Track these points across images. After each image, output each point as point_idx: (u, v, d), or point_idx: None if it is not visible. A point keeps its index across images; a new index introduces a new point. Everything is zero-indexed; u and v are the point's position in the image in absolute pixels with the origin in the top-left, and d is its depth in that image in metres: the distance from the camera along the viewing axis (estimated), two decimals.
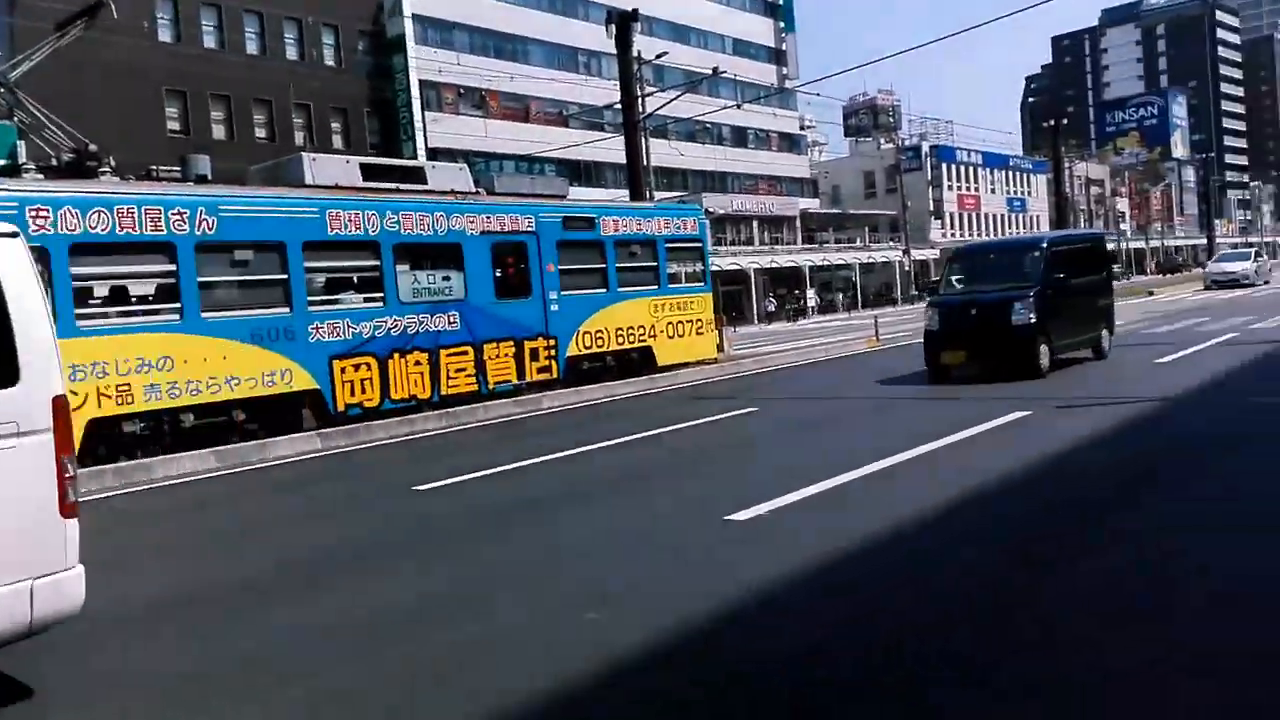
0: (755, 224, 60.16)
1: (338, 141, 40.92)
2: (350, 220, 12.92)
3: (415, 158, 41.08)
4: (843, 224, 69.63)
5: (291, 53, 40.45)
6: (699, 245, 18.58)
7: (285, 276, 12.17)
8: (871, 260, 61.28)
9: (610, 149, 45.76)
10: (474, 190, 15.29)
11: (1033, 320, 13.07)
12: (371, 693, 3.97)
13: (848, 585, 4.97)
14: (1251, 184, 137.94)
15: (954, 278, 15.06)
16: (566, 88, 48.93)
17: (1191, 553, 5.06)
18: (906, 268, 60.70)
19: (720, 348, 19.82)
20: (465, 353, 14.11)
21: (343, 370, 12.58)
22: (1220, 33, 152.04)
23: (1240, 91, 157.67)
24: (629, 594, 5.12)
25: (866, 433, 10.19)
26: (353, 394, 12.71)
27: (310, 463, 10.96)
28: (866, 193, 75.17)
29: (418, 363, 13.48)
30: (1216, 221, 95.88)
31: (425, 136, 43.54)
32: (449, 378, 13.87)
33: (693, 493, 7.70)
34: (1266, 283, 39.32)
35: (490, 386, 14.44)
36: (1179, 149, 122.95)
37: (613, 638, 4.36)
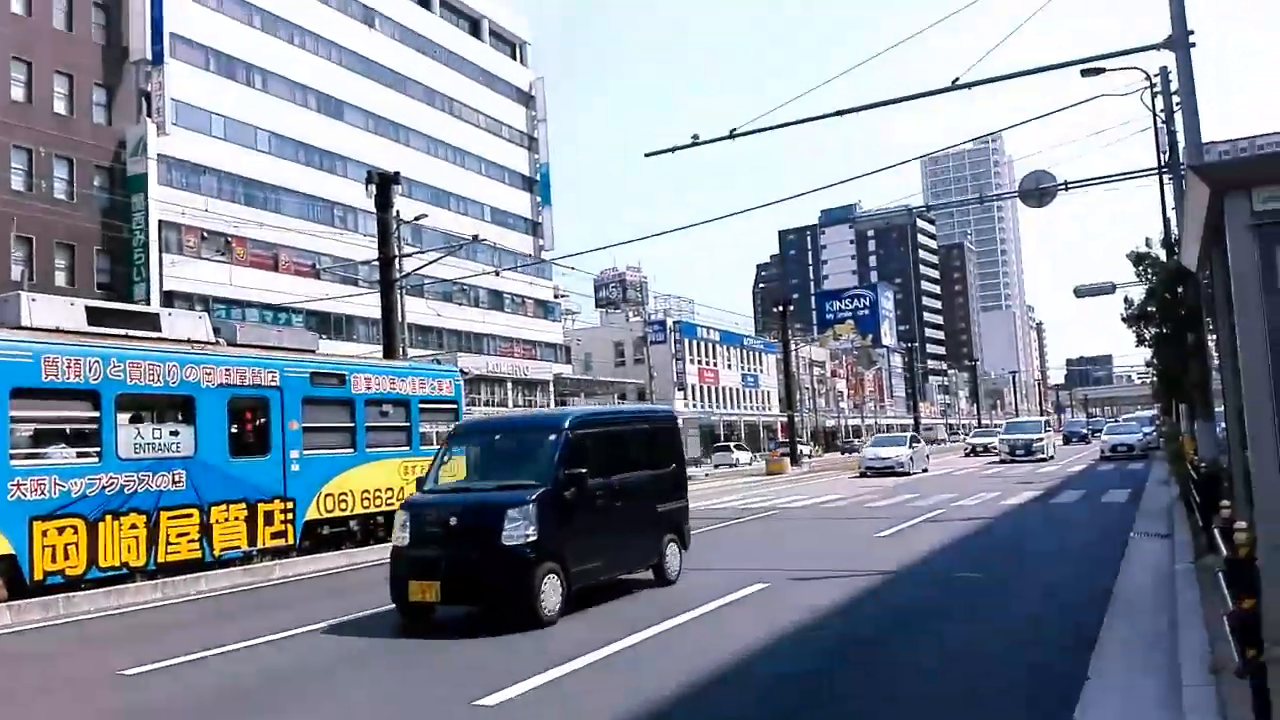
0: (510, 385, 60.56)
1: (61, 279, 37.75)
2: (68, 367, 11.81)
3: (149, 300, 38.60)
4: (593, 390, 71.46)
5: (18, 183, 37.44)
6: (454, 406, 18.39)
7: None
8: None
9: (364, 304, 45.11)
10: (213, 340, 14.48)
11: (532, 538, 8.76)
12: None
13: None
14: (949, 371, 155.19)
15: (443, 469, 10.55)
16: (320, 239, 48.14)
17: None
18: None
19: None
20: (190, 515, 12.97)
21: (44, 533, 11.18)
22: (921, 238, 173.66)
23: (938, 290, 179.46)
24: None
25: (638, 600, 10.18)
26: (54, 560, 11.27)
27: None
28: (616, 361, 77.97)
29: (134, 525, 12.22)
30: (921, 403, 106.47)
31: (161, 279, 41.11)
32: (169, 543, 12.65)
33: (436, 674, 7.33)
34: (925, 470, 35.99)
35: (216, 553, 13.28)
36: (887, 337, 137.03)
37: None
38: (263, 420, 14.56)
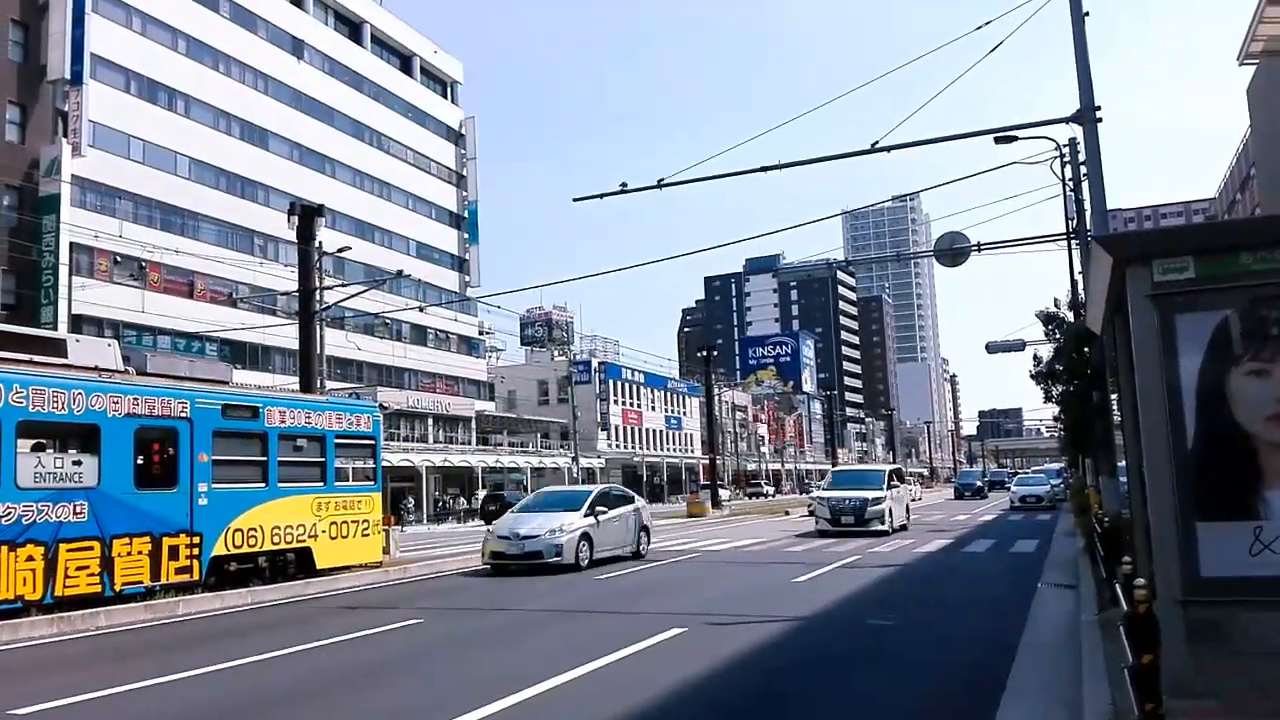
0: (430, 421, 59.76)
1: None
2: None
3: (56, 324, 37.28)
4: (516, 428, 70.94)
5: None
6: (372, 443, 18.09)
7: None
8: (543, 465, 62.55)
9: (281, 334, 44.22)
10: (122, 369, 14.04)
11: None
12: None
13: None
14: (867, 419, 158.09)
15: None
16: (238, 269, 47.12)
17: None
18: (575, 474, 62.49)
19: (386, 550, 19.02)
20: (91, 548, 12.47)
21: None
22: (841, 290, 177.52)
23: (857, 340, 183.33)
24: None
25: (532, 648, 10.06)
26: None
27: None
28: (540, 399, 77.65)
29: (30, 558, 11.71)
30: (839, 450, 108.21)
31: (70, 303, 39.74)
32: (68, 576, 12.14)
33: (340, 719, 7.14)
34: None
35: (117, 588, 12.78)
36: (808, 384, 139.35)
37: None
38: (171, 452, 14.12)
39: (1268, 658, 7.38)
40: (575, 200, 16.52)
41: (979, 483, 61.28)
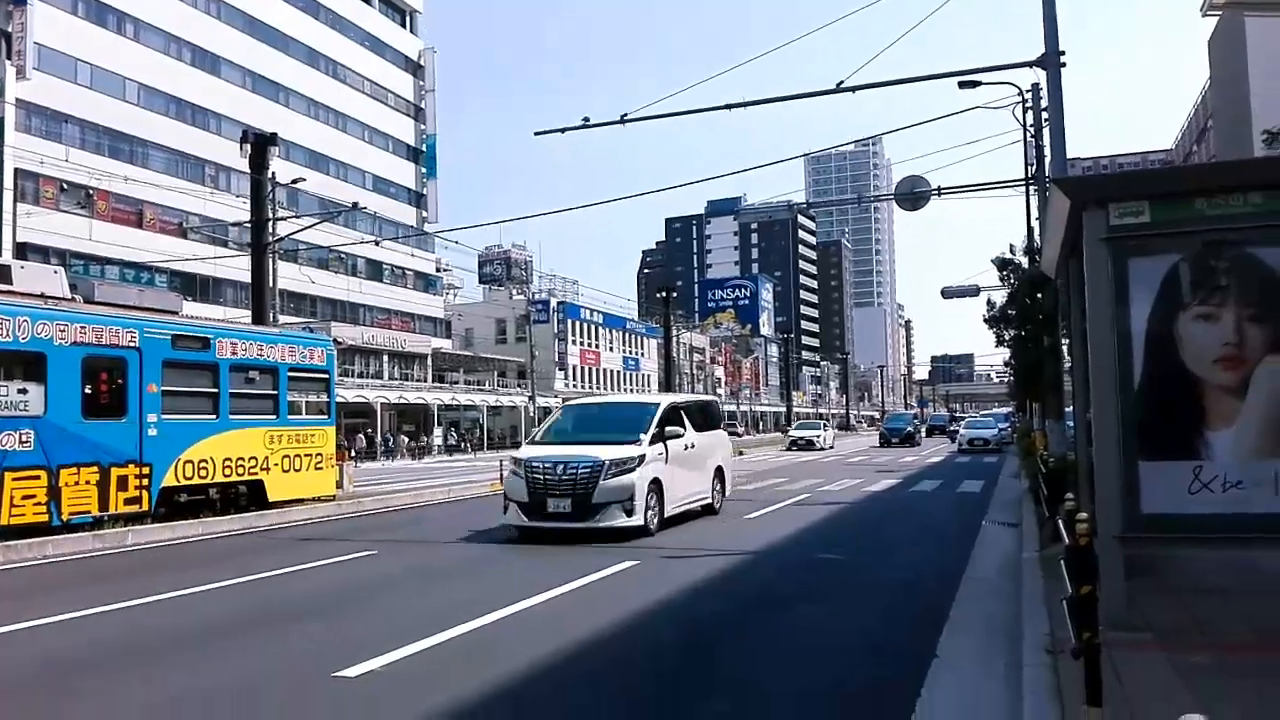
0: (386, 358, 59.26)
1: None
2: None
3: (0, 252, 36.24)
4: (473, 366, 70.61)
5: None
6: (325, 377, 17.91)
7: None
8: (499, 404, 62.46)
9: (233, 266, 43.41)
10: (69, 296, 13.70)
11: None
12: None
13: None
14: (822, 362, 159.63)
15: None
16: (189, 198, 45.95)
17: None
18: (531, 413, 62.55)
19: (340, 484, 18.96)
20: (37, 477, 12.28)
21: None
22: (801, 234, 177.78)
23: (815, 284, 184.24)
24: None
25: (485, 580, 10.14)
26: None
27: None
28: (498, 339, 77.22)
29: None
30: (794, 393, 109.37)
31: (15, 230, 38.58)
32: (13, 506, 11.95)
33: (295, 647, 7.15)
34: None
35: (65, 517, 12.62)
36: (766, 327, 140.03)
37: None
38: (120, 382, 13.87)
39: (1201, 594, 7.65)
40: (537, 134, 16.29)
41: (909, 427, 53.74)
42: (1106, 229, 6.58)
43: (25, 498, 12.14)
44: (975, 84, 19.69)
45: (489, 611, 7.81)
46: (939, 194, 21.13)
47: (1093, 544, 5.29)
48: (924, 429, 66.35)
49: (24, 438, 12.18)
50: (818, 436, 48.19)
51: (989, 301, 22.76)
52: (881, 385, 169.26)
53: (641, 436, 13.12)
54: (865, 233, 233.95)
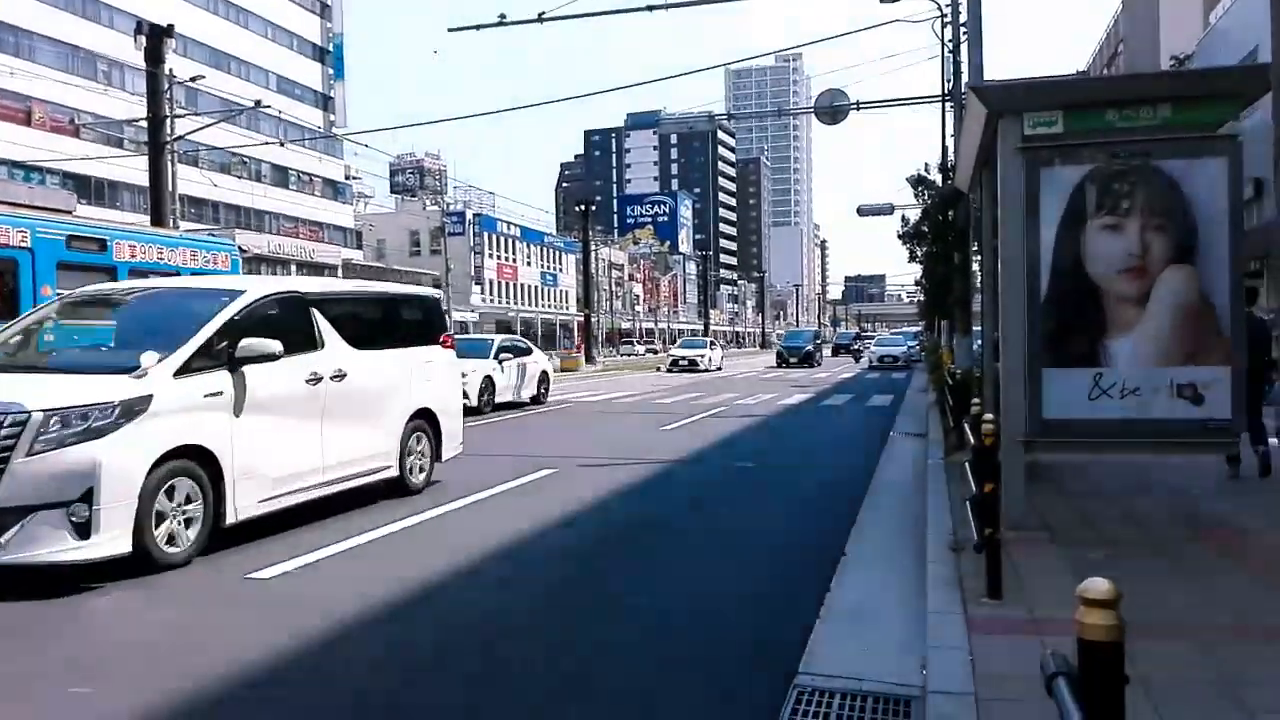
0: (294, 268, 57.59)
1: None
2: None
3: None
4: (386, 278, 69.18)
5: None
6: None
7: None
8: None
9: (130, 168, 41.39)
10: None
11: None
12: None
13: (371, 639, 4.82)
14: (739, 281, 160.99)
15: None
16: (80, 94, 43.34)
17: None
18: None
19: None
20: None
21: None
22: (721, 150, 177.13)
23: (734, 202, 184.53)
24: (128, 663, 4.48)
25: None
26: None
27: None
28: (411, 251, 75.67)
29: None
30: (712, 311, 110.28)
31: None
32: None
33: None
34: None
35: None
36: (684, 245, 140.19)
37: (105, 710, 3.77)
38: (10, 284, 13.13)
39: (1096, 497, 8.03)
40: (451, 30, 15.67)
41: (808, 346, 46.86)
42: (1020, 139, 6.66)
43: None
44: None
45: (395, 520, 7.74)
46: (857, 108, 21.18)
47: (997, 444, 5.47)
48: (828, 349, 63.55)
49: None
50: (701, 356, 41.44)
51: (903, 218, 23.12)
52: (796, 304, 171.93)
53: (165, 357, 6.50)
54: (784, 151, 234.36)
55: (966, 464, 7.05)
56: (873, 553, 6.71)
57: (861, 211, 33.65)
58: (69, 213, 14.96)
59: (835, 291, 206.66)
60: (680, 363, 41.20)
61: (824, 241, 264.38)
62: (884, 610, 5.31)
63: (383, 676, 4.27)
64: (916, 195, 21.53)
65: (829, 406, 21.19)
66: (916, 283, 34.28)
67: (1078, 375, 6.52)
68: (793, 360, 45.21)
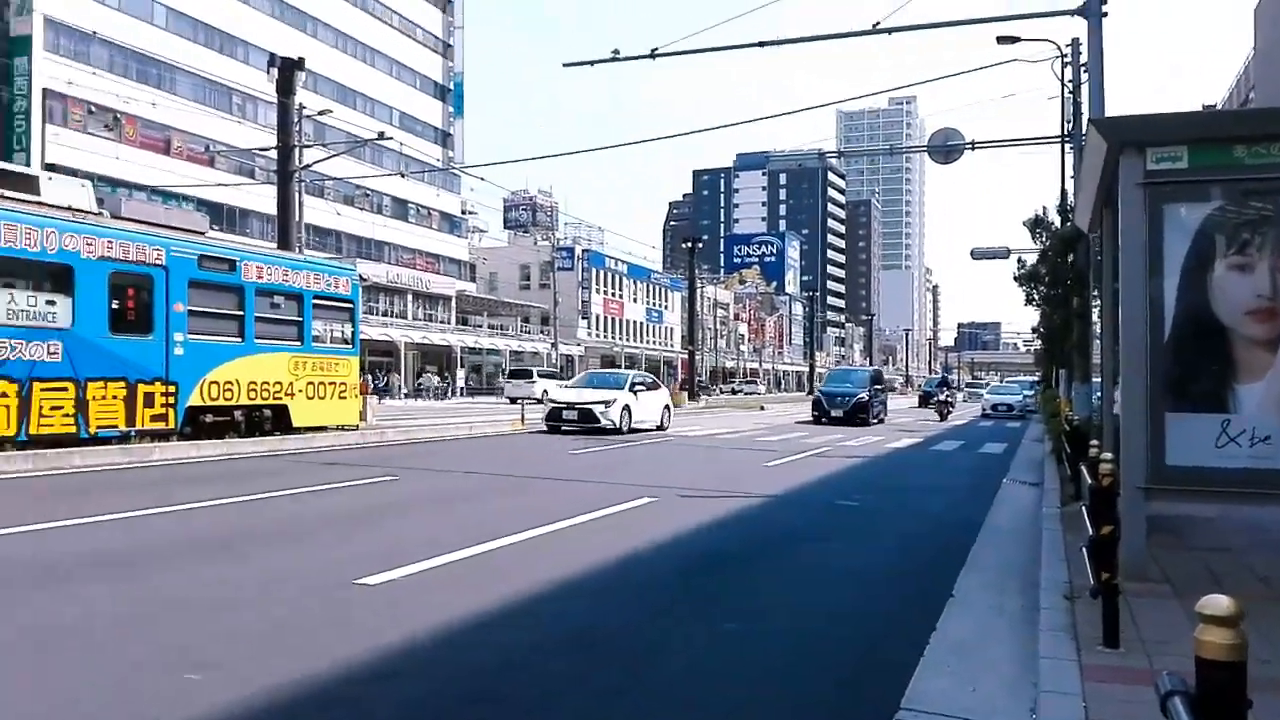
0: (410, 298, 59.46)
1: None
2: None
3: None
4: (497, 310, 70.75)
5: None
6: (350, 306, 17.97)
7: None
8: (522, 349, 62.67)
9: (260, 195, 43.48)
10: (96, 211, 13.76)
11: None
12: None
13: (474, 645, 4.89)
14: (847, 324, 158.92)
15: None
16: (216, 125, 45.89)
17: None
18: (554, 360, 62.90)
19: (363, 415, 19.12)
20: (65, 389, 12.43)
21: None
22: (830, 191, 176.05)
23: (842, 244, 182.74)
24: (240, 655, 4.65)
25: (508, 506, 10.22)
26: None
27: None
28: (521, 284, 77.27)
29: (4, 394, 11.67)
30: (818, 353, 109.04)
31: (44, 149, 38.71)
32: (42, 416, 12.12)
33: (322, 555, 7.25)
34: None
35: (92, 430, 12.80)
36: (791, 285, 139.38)
37: (215, 699, 3.92)
38: (146, 299, 13.97)
39: (1220, 551, 7.61)
40: (565, 66, 16.06)
41: (861, 393, 30.93)
42: (1143, 174, 6.43)
43: (53, 409, 12.31)
44: (1014, 39, 19.30)
45: (506, 535, 7.87)
46: (972, 147, 20.81)
47: (1115, 486, 5.26)
48: (903, 399, 55.28)
49: (52, 349, 12.31)
50: (604, 405, 22.14)
51: (1019, 260, 22.45)
52: (906, 350, 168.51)
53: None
54: (895, 193, 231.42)
55: (1084, 508, 6.77)
56: (982, 594, 6.49)
57: (975, 255, 32.87)
58: (201, 234, 15.81)
59: (947, 338, 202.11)
60: (565, 414, 22.30)
61: (935, 286, 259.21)
62: (992, 651, 5.13)
63: (508, 655, 4.33)
64: (1034, 237, 20.91)
65: (939, 452, 20.67)
66: (1033, 330, 33.11)
67: (1203, 421, 6.22)
68: (834, 413, 29.68)
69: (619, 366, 73.65)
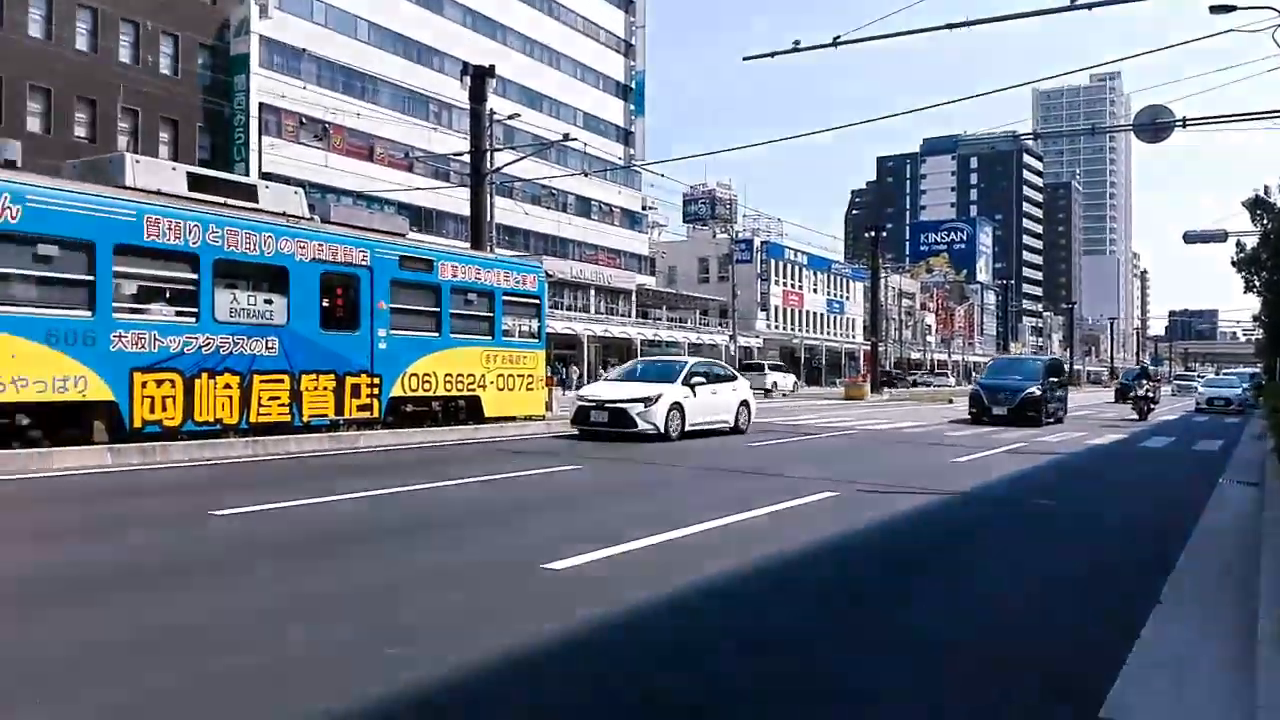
0: (592, 292, 60.91)
1: (165, 152, 38.91)
2: (169, 228, 12.23)
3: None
4: (676, 304, 71.40)
5: (125, 54, 38.40)
6: (537, 302, 18.60)
7: (91, 278, 11.35)
8: (700, 341, 63.02)
9: (454, 198, 45.58)
10: (308, 216, 14.82)
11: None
12: (136, 711, 3.62)
13: (657, 628, 4.97)
14: (1045, 313, 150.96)
15: None
16: (414, 132, 48.42)
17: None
18: (732, 352, 62.89)
19: (549, 406, 19.75)
20: (281, 381, 13.49)
21: (144, 384, 11.76)
22: (1026, 174, 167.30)
23: (1039, 229, 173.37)
24: (434, 632, 4.92)
25: (692, 497, 10.32)
26: (153, 410, 11.88)
27: (98, 478, 10.12)
28: (700, 277, 77.62)
29: (228, 385, 12.78)
30: (1012, 344, 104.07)
31: (260, 159, 42.03)
32: (260, 405, 13.20)
33: (510, 540, 7.56)
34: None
35: (305, 419, 13.83)
36: (983, 274, 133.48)
37: (413, 673, 4.16)
38: (353, 297, 14.94)
39: None
40: (745, 59, 16.03)
41: (1033, 387, 25.41)
42: None
43: (271, 399, 13.37)
44: (1229, 8, 17.72)
45: (689, 525, 7.95)
46: (1183, 125, 19.28)
47: None
48: (1086, 393, 50.62)
49: (270, 344, 13.37)
50: (639, 403, 17.86)
51: (1238, 244, 20.72)
52: (1111, 340, 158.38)
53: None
54: (1099, 174, 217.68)
55: None
56: (1192, 601, 6.03)
57: (1189, 239, 30.42)
58: (402, 236, 16.74)
59: (1157, 327, 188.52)
60: (593, 415, 17.69)
61: (1144, 272, 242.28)
62: (1203, 661, 4.76)
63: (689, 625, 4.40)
64: (1254, 219, 19.23)
65: (1145, 449, 19.34)
66: (1255, 318, 30.39)
67: None
68: (996, 411, 24.97)
69: (799, 359, 72.78)
